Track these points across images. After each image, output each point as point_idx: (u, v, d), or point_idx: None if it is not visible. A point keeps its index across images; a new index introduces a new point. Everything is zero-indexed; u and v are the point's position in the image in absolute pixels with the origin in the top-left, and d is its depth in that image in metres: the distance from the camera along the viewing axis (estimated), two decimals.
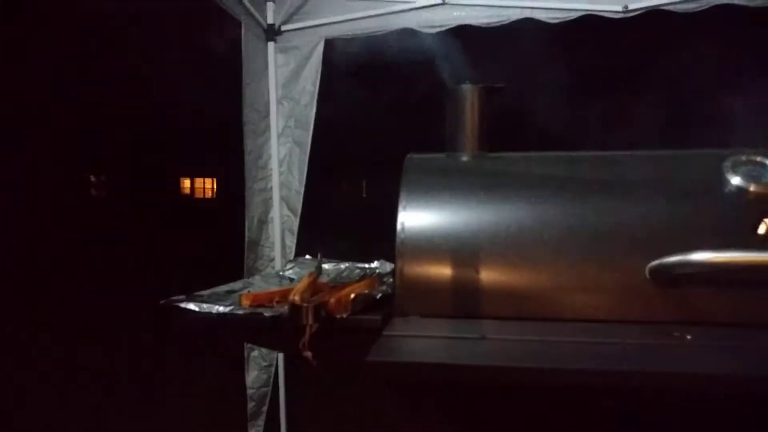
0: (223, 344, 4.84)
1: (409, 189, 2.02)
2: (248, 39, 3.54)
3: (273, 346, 3.02)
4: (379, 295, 1.96)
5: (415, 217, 1.95)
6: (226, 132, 4.65)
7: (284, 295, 1.92)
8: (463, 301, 1.84)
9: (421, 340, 1.68)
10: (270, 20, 3.74)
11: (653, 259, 1.73)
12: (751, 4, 3.14)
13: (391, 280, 2.12)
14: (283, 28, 3.75)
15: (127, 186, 13.66)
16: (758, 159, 1.90)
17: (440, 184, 2.08)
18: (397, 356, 1.56)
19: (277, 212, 3.83)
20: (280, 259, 3.76)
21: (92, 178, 13.70)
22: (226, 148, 5.07)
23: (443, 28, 3.50)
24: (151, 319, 2.45)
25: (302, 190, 3.85)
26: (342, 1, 3.64)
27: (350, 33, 3.67)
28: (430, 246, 1.91)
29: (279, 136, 3.82)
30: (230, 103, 3.82)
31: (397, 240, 1.91)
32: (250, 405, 3.87)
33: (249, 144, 3.66)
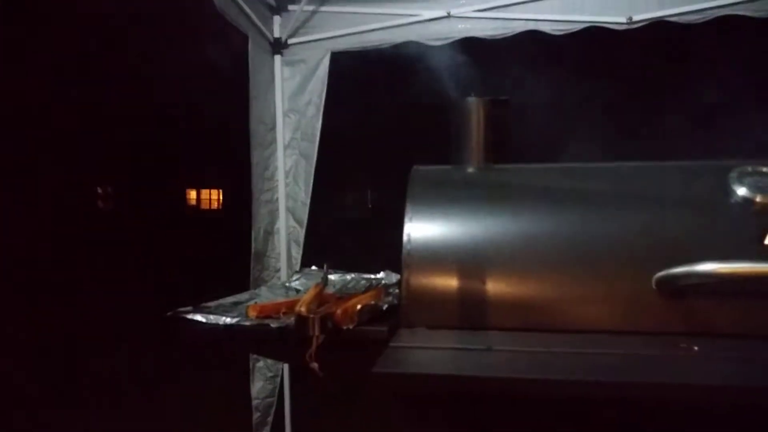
0: (229, 355, 4.84)
1: (415, 200, 2.03)
2: (255, 52, 3.58)
3: (280, 357, 3.02)
4: (386, 306, 1.96)
5: (421, 229, 1.95)
6: (233, 144, 4.69)
7: (291, 306, 1.92)
8: (469, 313, 1.83)
9: (427, 352, 1.68)
10: (276, 34, 3.78)
11: (660, 270, 1.72)
12: (756, 15, 3.16)
13: (397, 291, 2.12)
14: (290, 41, 3.79)
15: (133, 197, 13.70)
16: (764, 170, 1.90)
17: (446, 196, 2.09)
18: (404, 367, 1.56)
19: (283, 223, 3.85)
20: (286, 270, 3.78)
21: (99, 190, 13.74)
22: (233, 159, 5.11)
23: (448, 41, 3.53)
24: (157, 330, 2.46)
25: (308, 201, 3.87)
26: (348, 15, 3.68)
27: (356, 46, 3.71)
28: (436, 257, 1.91)
29: (285, 148, 3.85)
30: (237, 116, 3.86)
31: (404, 251, 1.91)
32: (256, 415, 3.87)
33: (255, 156, 3.69)
